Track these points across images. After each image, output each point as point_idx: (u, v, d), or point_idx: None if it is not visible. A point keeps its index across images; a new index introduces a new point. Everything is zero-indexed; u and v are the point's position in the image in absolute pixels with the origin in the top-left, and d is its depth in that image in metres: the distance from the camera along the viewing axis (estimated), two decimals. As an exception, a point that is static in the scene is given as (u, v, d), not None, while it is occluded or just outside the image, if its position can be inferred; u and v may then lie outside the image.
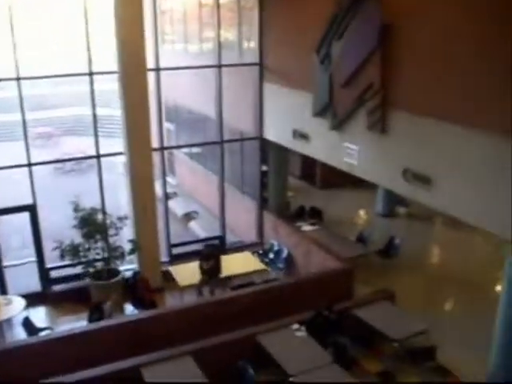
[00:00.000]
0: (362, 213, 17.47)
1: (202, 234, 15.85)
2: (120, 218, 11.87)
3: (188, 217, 17.68)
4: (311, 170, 19.22)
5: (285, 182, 15.16)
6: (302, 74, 11.78)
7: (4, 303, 10.97)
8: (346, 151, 10.72)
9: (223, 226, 14.58)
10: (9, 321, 10.95)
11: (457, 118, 8.07)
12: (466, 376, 9.26)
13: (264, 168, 14.79)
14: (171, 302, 12.26)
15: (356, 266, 11.83)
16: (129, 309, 11.70)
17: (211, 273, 11.79)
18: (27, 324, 10.33)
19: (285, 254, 13.52)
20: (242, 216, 15.57)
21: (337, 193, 18.47)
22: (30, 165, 11.64)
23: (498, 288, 10.27)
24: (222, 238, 14.56)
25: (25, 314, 10.70)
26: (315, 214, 15.55)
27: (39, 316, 11.42)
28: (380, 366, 9.63)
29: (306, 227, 14.37)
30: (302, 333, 9.47)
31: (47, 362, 8.88)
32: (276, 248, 13.85)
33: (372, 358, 9.85)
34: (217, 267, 11.89)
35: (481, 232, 8.96)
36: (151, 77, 12.38)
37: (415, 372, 9.34)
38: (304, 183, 19.80)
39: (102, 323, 9.97)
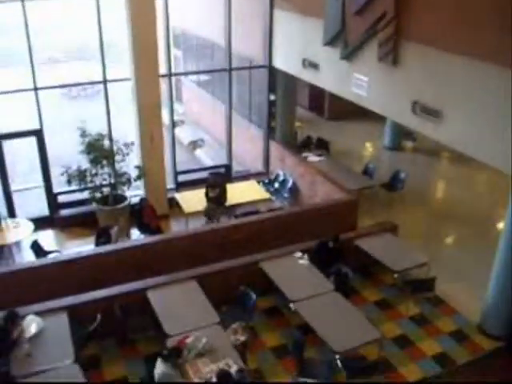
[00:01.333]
0: (368, 145, 17.41)
1: (208, 162, 15.90)
2: (126, 145, 11.88)
3: (194, 145, 17.67)
4: (319, 100, 19.02)
5: (292, 112, 15.04)
6: (314, 0, 11.44)
7: (13, 226, 11.17)
8: (356, 82, 10.56)
9: (230, 154, 14.60)
10: (18, 244, 11.21)
11: (472, 51, 7.86)
12: (462, 308, 9.51)
13: (272, 97, 14.63)
14: (176, 228, 12.45)
15: (360, 198, 11.91)
16: (135, 234, 11.91)
17: (217, 200, 11.92)
18: (35, 247, 10.51)
19: (290, 183, 13.59)
20: (249, 145, 15.54)
21: (344, 124, 18.37)
22: (36, 89, 11.56)
23: (501, 225, 10.33)
24: (228, 167, 14.61)
25: (33, 237, 10.88)
26: (322, 145, 15.49)
27: (47, 239, 11.61)
28: (379, 296, 9.89)
29: (313, 158, 14.33)
30: (304, 261, 9.65)
31: (55, 284, 9.12)
32: (281, 178, 13.90)
33: (372, 288, 10.10)
34: (223, 195, 12.01)
35: (487, 168, 8.92)
36: (159, 1, 12.06)
37: (412, 302, 9.58)
38: (312, 114, 19.64)
39: (109, 247, 10.16)
